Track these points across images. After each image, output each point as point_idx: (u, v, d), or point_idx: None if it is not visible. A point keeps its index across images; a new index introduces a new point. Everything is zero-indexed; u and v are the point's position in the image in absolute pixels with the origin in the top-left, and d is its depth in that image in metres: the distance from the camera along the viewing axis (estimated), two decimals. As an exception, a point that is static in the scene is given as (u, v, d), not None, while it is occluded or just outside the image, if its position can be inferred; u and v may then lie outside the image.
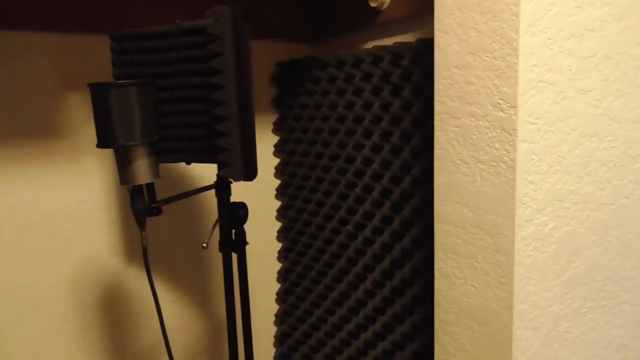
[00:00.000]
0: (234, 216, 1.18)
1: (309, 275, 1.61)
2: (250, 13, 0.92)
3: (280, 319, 1.75)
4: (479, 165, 0.84)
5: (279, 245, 1.74)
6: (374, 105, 1.31)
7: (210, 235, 1.18)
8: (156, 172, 0.99)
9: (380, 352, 1.38)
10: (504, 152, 0.80)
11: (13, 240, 1.26)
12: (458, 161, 0.88)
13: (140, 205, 0.98)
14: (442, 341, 0.96)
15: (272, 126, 1.68)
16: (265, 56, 1.63)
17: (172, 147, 1.05)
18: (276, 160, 1.70)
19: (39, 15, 1.20)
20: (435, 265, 0.96)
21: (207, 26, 0.90)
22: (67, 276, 1.35)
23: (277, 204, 1.72)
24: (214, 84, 0.90)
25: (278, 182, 1.71)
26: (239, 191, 1.62)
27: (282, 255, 1.72)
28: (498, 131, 0.81)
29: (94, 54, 1.32)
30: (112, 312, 1.44)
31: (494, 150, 0.82)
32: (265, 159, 1.68)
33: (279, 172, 1.69)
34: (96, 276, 1.40)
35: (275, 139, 1.68)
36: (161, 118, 1.03)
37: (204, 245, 1.17)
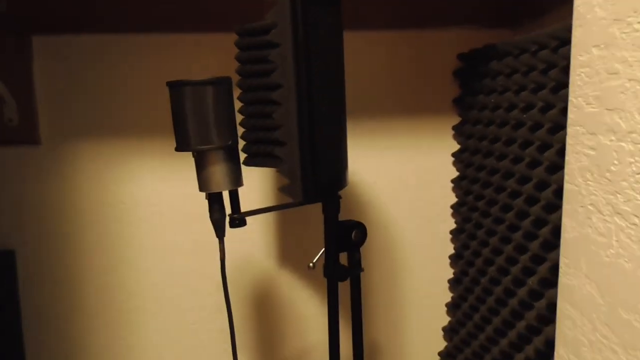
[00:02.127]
0: (344, 238, 1.00)
1: (479, 312, 1.29)
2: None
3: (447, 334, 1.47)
4: (617, 219, 0.48)
5: (449, 274, 1.45)
6: (555, 107, 0.93)
7: (319, 256, 1.03)
8: (236, 180, 0.89)
9: None
10: (654, 204, 0.43)
11: (179, 227, 1.35)
12: (590, 207, 0.53)
13: (217, 215, 0.90)
14: None
15: (452, 131, 1.40)
16: (449, 47, 1.36)
17: (256, 151, 0.93)
18: (454, 172, 1.41)
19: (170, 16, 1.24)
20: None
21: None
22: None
23: (451, 224, 1.44)
24: (272, 82, 0.75)
25: (454, 199, 1.42)
26: (403, 206, 1.41)
27: (453, 285, 1.43)
28: (647, 163, 0.44)
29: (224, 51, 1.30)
30: (261, 311, 1.42)
31: (639, 197, 0.45)
32: (440, 170, 1.41)
33: (457, 186, 1.40)
34: (251, 273, 1.40)
35: (455, 147, 1.40)
36: (249, 119, 0.93)
37: (310, 265, 1.03)
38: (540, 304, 0.94)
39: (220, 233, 0.91)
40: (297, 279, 1.42)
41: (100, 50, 1.27)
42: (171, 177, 1.33)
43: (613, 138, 0.48)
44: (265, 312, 1.42)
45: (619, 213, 0.47)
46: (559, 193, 0.91)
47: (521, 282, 1.06)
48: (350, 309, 1.05)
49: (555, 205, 0.92)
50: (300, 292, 1.42)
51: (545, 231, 0.94)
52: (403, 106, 1.37)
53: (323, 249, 1.02)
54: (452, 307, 1.44)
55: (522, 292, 1.04)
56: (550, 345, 0.88)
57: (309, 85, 0.72)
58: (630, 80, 0.46)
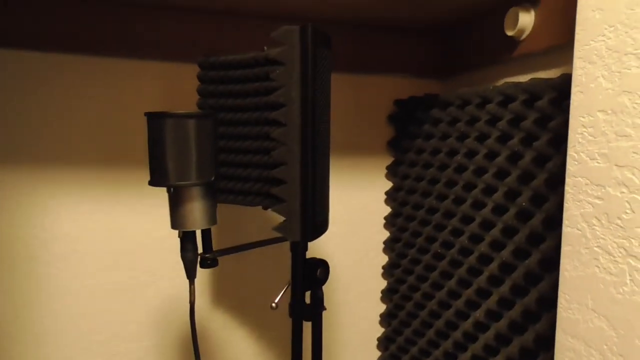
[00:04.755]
0: (309, 276, 0.99)
1: (411, 351, 1.34)
2: (329, 37, 0.75)
3: (383, 343, 1.50)
4: (631, 261, 0.55)
5: (382, 308, 1.50)
6: (500, 155, 1.04)
7: (282, 295, 1.01)
8: (212, 218, 0.85)
9: None
10: (674, 249, 0.50)
11: (103, 267, 1.23)
12: (597, 249, 0.59)
13: (190, 255, 0.85)
14: None
15: (385, 171, 1.47)
16: (385, 93, 1.45)
17: (233, 188, 0.91)
18: (387, 210, 1.48)
19: (150, 43, 1.18)
20: (554, 395, 0.66)
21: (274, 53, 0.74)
22: (151, 312, 1.29)
23: (384, 259, 1.50)
24: (274, 120, 0.74)
25: (387, 234, 1.49)
26: (337, 242, 1.44)
27: (385, 320, 1.48)
28: (665, 213, 0.51)
29: (159, 79, 1.26)
30: (191, 356, 1.34)
31: (655, 243, 0.52)
32: (374, 208, 1.48)
33: (389, 223, 1.47)
34: (180, 316, 1.32)
35: (387, 185, 1.48)
36: (228, 154, 0.90)
37: (273, 305, 1.00)
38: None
39: (191, 274, 0.86)
40: (231, 318, 1.37)
41: (13, 68, 1.14)
42: (92, 209, 1.22)
43: (624, 191, 0.56)
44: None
45: (633, 256, 0.55)
46: (506, 232, 1.01)
47: (459, 320, 1.14)
48: (311, 349, 1.04)
49: (500, 244, 1.01)
50: (233, 331, 1.37)
51: (492, 267, 1.03)
52: (340, 145, 1.42)
53: (285, 288, 1.00)
54: (383, 341, 1.49)
55: (457, 333, 1.11)
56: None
57: (313, 125, 0.73)
58: (643, 142, 0.54)
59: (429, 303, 1.27)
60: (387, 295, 1.47)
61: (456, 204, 1.18)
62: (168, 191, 0.83)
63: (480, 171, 1.10)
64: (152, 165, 0.81)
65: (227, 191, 0.89)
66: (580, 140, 0.62)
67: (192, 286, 0.86)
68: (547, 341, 0.91)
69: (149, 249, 1.27)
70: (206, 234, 0.88)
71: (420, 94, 1.43)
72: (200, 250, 0.87)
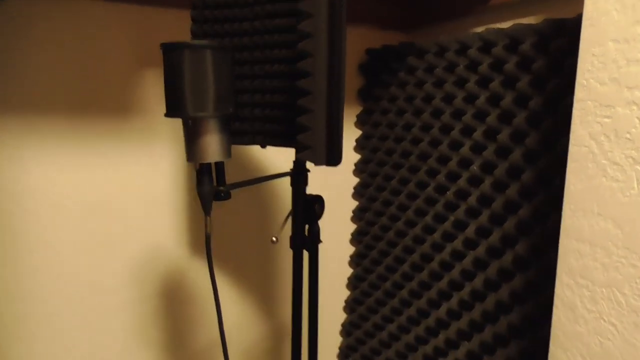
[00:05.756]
0: (308, 210, 1.03)
1: (383, 286, 1.44)
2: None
3: (346, 330, 1.59)
4: (638, 167, 0.65)
5: (351, 250, 1.58)
6: (480, 98, 1.13)
7: (282, 229, 1.05)
8: (228, 151, 0.86)
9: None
10: (680, 153, 0.60)
11: (78, 220, 1.19)
12: (605, 162, 0.69)
13: (207, 187, 0.86)
14: (558, 389, 0.76)
15: (355, 119, 1.53)
16: (352, 43, 1.48)
17: (247, 128, 0.92)
18: (356, 157, 1.54)
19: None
20: (557, 293, 0.77)
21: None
22: (129, 263, 1.27)
23: (354, 204, 1.57)
24: (301, 51, 0.76)
25: (356, 180, 1.55)
26: (312, 186, 1.48)
27: (355, 261, 1.57)
28: (672, 124, 0.61)
29: (176, 28, 1.23)
30: (172, 305, 1.34)
31: (663, 150, 0.62)
32: (344, 155, 1.53)
33: (359, 169, 1.53)
34: (159, 266, 1.31)
35: (357, 133, 1.53)
36: (238, 94, 0.91)
37: (274, 239, 1.04)
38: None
39: (208, 207, 0.86)
40: (235, 254, 1.38)
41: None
42: (66, 160, 1.16)
43: (634, 108, 0.66)
44: (179, 305, 1.35)
45: (640, 163, 0.65)
46: (486, 167, 1.10)
47: (434, 252, 1.24)
48: (308, 277, 1.09)
49: (478, 179, 1.11)
50: (236, 266, 1.39)
51: (470, 200, 1.13)
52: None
53: (285, 220, 1.04)
54: (353, 280, 1.57)
55: (426, 272, 1.21)
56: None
57: (336, 57, 0.76)
58: (653, 66, 0.63)
59: (402, 240, 1.36)
60: (356, 237, 1.55)
61: (432, 145, 1.26)
62: (185, 124, 0.82)
63: (458, 113, 1.19)
64: (169, 97, 0.80)
65: (242, 132, 0.91)
66: (589, 68, 0.70)
67: (209, 217, 0.87)
68: (537, 287, 1.03)
69: (125, 200, 1.24)
70: (220, 167, 0.89)
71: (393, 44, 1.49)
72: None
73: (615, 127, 0.67)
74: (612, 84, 0.67)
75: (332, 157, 0.79)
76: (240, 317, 1.44)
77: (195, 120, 0.82)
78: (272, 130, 0.91)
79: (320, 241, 1.07)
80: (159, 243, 1.30)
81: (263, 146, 0.97)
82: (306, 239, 1.05)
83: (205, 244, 0.88)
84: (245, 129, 0.94)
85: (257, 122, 0.93)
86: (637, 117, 0.65)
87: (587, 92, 0.71)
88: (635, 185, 0.65)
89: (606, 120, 0.68)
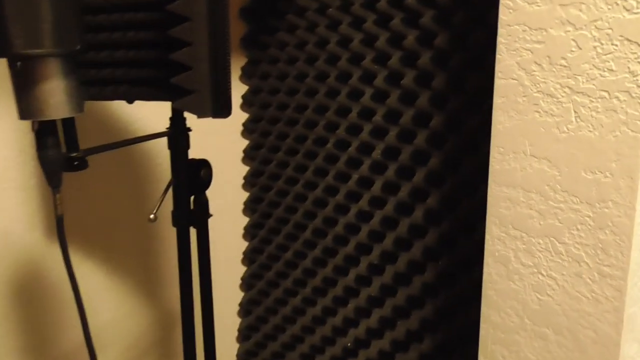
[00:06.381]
0: (193, 178, 0.86)
1: (283, 257, 1.31)
2: None
3: (245, 309, 1.45)
4: (576, 97, 0.57)
5: (245, 221, 1.43)
6: (379, 39, 1.01)
7: (160, 204, 0.86)
8: (79, 103, 0.65)
9: (376, 354, 1.11)
10: (627, 76, 0.52)
11: None
12: (537, 94, 0.60)
13: (53, 153, 0.64)
14: (491, 354, 0.69)
15: (239, 72, 1.35)
16: (233, -17, 1.29)
17: (106, 76, 0.71)
18: (244, 116, 1.37)
19: None
20: (487, 247, 0.68)
21: None
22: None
23: (244, 169, 1.40)
24: None
25: (246, 142, 1.39)
26: (194, 150, 1.29)
27: (250, 232, 1.41)
28: (617, 44, 0.52)
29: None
30: (30, 301, 1.09)
31: (606, 74, 0.54)
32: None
33: (248, 129, 1.36)
34: (8, 256, 1.05)
35: (243, 88, 1.36)
36: (92, 31, 0.69)
37: (151, 217, 0.85)
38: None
39: (55, 179, 0.65)
40: (102, 238, 1.15)
41: None
42: None
43: (570, 28, 0.57)
44: (37, 303, 1.10)
45: (580, 93, 0.56)
46: (389, 116, 1.00)
47: (337, 214, 1.13)
48: (198, 259, 0.92)
49: (382, 130, 1.01)
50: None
51: (366, 165, 1.03)
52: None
53: (164, 194, 0.86)
54: (249, 254, 1.42)
55: (329, 238, 1.10)
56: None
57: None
58: (592, -24, 0.54)
59: (302, 204, 1.23)
60: (250, 205, 1.39)
61: (330, 97, 1.13)
62: (11, 66, 0.60)
63: (357, 57, 1.06)
64: (-17, 28, 0.57)
65: (100, 83, 0.69)
66: (516, -14, 0.60)
67: (58, 195, 0.66)
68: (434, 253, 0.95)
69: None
70: (70, 126, 0.67)
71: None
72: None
73: (548, 53, 0.58)
74: (543, 2, 0.58)
75: (221, 105, 0.62)
76: (120, 310, 1.23)
77: (26, 61, 0.60)
78: (140, 76, 0.71)
79: (210, 214, 0.91)
80: (5, 228, 1.04)
81: (130, 101, 0.77)
82: (192, 213, 0.87)
83: (57, 228, 0.67)
84: (103, 78, 0.73)
85: (120, 68, 0.72)
86: (574, 39, 0.56)
87: (513, 14, 0.61)
88: (573, 119, 0.57)
89: (537, 46, 0.59)
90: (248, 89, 1.35)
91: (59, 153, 0.65)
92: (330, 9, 1.09)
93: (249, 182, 1.39)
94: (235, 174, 1.40)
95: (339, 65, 1.09)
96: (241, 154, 1.39)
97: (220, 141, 1.34)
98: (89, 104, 0.70)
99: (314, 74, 1.16)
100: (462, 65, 0.88)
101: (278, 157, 1.28)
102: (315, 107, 1.16)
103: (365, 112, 1.06)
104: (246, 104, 1.36)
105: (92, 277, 1.16)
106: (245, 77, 1.35)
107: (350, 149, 1.10)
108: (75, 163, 0.68)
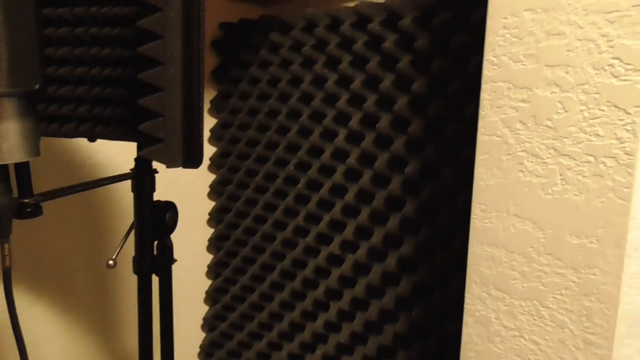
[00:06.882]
0: (157, 222, 0.81)
1: (249, 298, 1.25)
2: None
3: (206, 351, 1.37)
4: (562, 160, 0.55)
5: (209, 258, 1.37)
6: (355, 81, 0.99)
7: (121, 248, 0.80)
8: (35, 146, 0.60)
9: (344, 404, 1.06)
10: (614, 142, 0.51)
11: None
12: (521, 153, 0.59)
13: (4, 200, 0.59)
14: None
15: (208, 105, 1.31)
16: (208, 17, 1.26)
17: (66, 113, 0.66)
18: (212, 150, 1.33)
19: None
20: (466, 307, 0.66)
21: None
22: None
23: (210, 204, 1.35)
24: (144, 3, 0.54)
25: (212, 177, 1.34)
26: (157, 186, 1.24)
27: (213, 270, 1.35)
28: (604, 109, 0.52)
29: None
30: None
31: (593, 138, 0.53)
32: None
33: (215, 164, 1.32)
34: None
35: (212, 122, 1.32)
36: (52, 64, 0.65)
37: (110, 262, 0.79)
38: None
39: (6, 228, 0.59)
40: (55, 286, 1.06)
41: None
42: None
43: (557, 90, 0.56)
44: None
45: (565, 155, 0.55)
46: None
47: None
48: (160, 308, 0.86)
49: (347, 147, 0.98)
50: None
51: (338, 174, 1.00)
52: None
53: (125, 238, 0.80)
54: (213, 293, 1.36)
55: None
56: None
57: (191, 22, 0.55)
58: (580, 40, 0.54)
59: (270, 244, 1.19)
60: (215, 243, 1.34)
61: (302, 135, 1.10)
62: (-40, 106, 0.55)
63: (330, 98, 1.04)
64: None
65: (60, 119, 0.64)
66: (501, 43, 0.60)
67: (8, 245, 0.60)
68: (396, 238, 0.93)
69: None
70: (24, 171, 0.62)
71: (251, 18, 1.29)
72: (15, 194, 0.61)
73: (533, 112, 0.57)
74: (529, 61, 0.57)
75: (192, 156, 0.58)
76: (71, 352, 1.14)
77: (-24, 102, 0.55)
78: (105, 115, 0.66)
79: (174, 260, 0.85)
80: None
81: (91, 139, 0.72)
82: (155, 259, 0.82)
83: (3, 281, 0.61)
84: (64, 114, 0.68)
85: (83, 105, 0.67)
86: (560, 101, 0.55)
87: (498, 71, 0.60)
88: (559, 181, 0.55)
89: (522, 104, 0.58)
90: (216, 123, 1.31)
91: (10, 199, 0.59)
92: (305, 47, 1.07)
93: (215, 218, 1.33)
94: (201, 209, 1.34)
95: (312, 105, 1.07)
96: (207, 189, 1.34)
97: (186, 176, 1.28)
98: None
99: (286, 111, 1.13)
100: (443, 69, 0.86)
101: (246, 194, 1.23)
102: (286, 145, 1.13)
103: (338, 153, 1.03)
104: (214, 138, 1.32)
105: (44, 329, 1.08)
106: (214, 110, 1.31)
107: (322, 190, 1.06)
108: (28, 210, 0.62)
